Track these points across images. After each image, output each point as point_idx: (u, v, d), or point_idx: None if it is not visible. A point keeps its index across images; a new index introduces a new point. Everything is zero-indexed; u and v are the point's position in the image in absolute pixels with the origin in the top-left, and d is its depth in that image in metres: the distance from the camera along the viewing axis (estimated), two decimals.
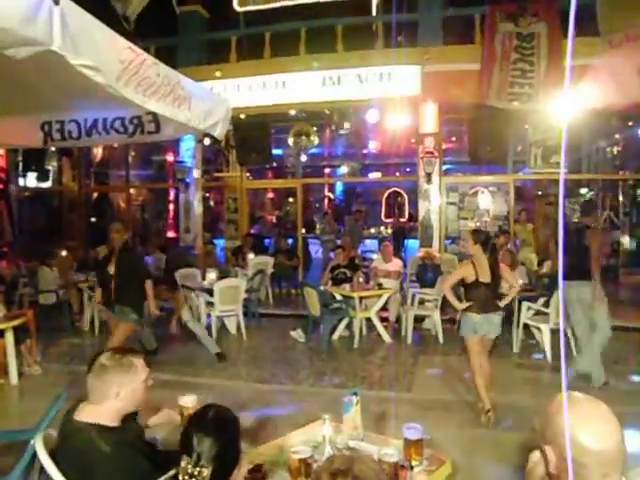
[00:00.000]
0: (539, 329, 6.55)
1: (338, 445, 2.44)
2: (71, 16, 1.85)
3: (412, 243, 12.35)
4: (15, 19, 1.63)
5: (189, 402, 2.45)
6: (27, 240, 12.72)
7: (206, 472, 1.59)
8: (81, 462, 2.03)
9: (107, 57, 2.10)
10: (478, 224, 10.17)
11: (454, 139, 12.76)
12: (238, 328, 7.60)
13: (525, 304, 6.70)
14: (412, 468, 2.28)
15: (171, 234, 14.32)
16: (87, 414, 2.09)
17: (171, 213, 15.01)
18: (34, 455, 2.59)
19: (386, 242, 8.70)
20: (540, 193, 12.29)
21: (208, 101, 3.08)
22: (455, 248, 10.05)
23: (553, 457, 1.31)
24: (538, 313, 6.71)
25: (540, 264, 8.80)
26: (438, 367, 6.42)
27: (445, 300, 7.59)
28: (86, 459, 2.02)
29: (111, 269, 5.46)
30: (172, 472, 1.73)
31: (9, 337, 5.83)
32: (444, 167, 10.31)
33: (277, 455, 2.32)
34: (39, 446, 2.18)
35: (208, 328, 7.41)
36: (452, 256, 9.35)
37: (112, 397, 2.06)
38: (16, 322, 5.90)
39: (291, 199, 17.61)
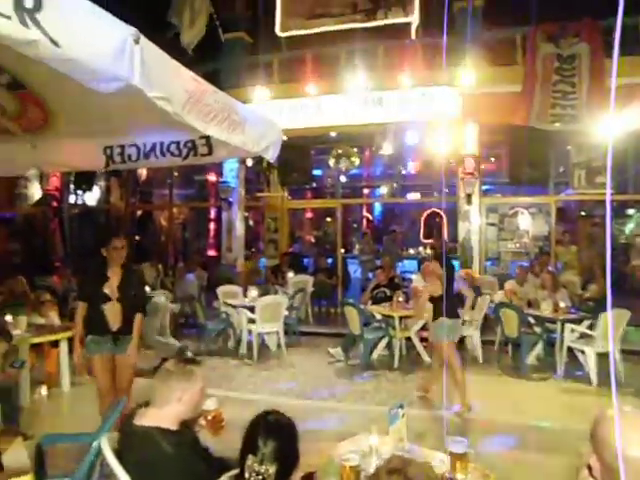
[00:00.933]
0: (583, 352, 6.43)
1: (384, 456, 2.51)
2: (147, 53, 2.05)
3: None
4: (107, 58, 1.85)
5: (211, 405, 2.55)
6: (77, 256, 13.23)
7: (272, 470, 1.71)
8: (144, 463, 2.16)
9: (175, 88, 2.29)
10: (517, 245, 10.10)
11: (493, 160, 12.74)
12: (278, 345, 7.72)
13: (568, 326, 6.60)
14: None
15: (212, 252, 14.66)
16: (149, 418, 2.23)
17: (212, 232, 15.39)
18: (96, 456, 2.78)
19: (426, 262, 8.70)
20: (584, 214, 12.09)
21: (261, 125, 3.26)
22: (495, 269, 9.98)
23: (597, 465, 1.40)
24: (582, 336, 6.60)
25: (584, 287, 8.66)
26: (478, 387, 6.36)
27: (485, 321, 7.62)
28: (149, 460, 2.14)
29: (109, 289, 4.21)
30: (234, 472, 1.85)
31: (63, 347, 6.11)
32: (483, 188, 10.30)
33: (327, 464, 2.41)
34: (105, 447, 2.33)
35: (249, 344, 7.57)
36: (492, 278, 9.28)
37: (174, 401, 2.21)
38: (70, 333, 6.17)
39: (329, 219, 17.82)
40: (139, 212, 15.47)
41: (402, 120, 9.40)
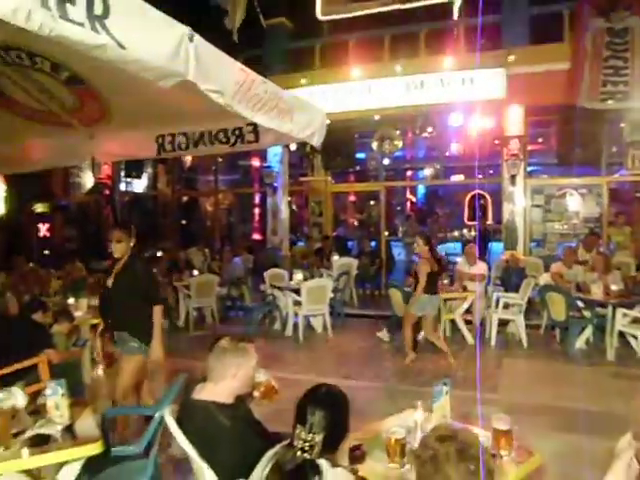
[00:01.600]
0: (636, 337, 6.28)
1: (428, 432, 2.59)
2: (201, 49, 2.19)
3: (496, 246, 12.14)
4: (166, 57, 2.00)
5: (262, 377, 2.69)
6: None
7: (318, 438, 1.81)
8: (203, 435, 2.30)
9: (226, 80, 2.42)
10: (565, 226, 9.89)
11: (540, 140, 12.42)
12: (324, 327, 7.88)
13: (620, 311, 6.42)
14: (501, 458, 2.40)
15: (256, 236, 14.93)
16: (206, 393, 2.37)
17: (256, 216, 15.66)
18: (157, 427, 2.98)
19: (470, 244, 8.65)
20: None
21: (307, 112, 3.36)
22: (540, 251, 9.81)
23: None
24: (635, 320, 6.44)
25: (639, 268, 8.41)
26: (523, 370, 6.36)
27: (530, 305, 7.52)
28: (208, 432, 2.29)
29: (109, 282, 4.11)
30: (285, 442, 1.96)
31: None
32: (529, 169, 10.09)
33: (373, 438, 2.52)
34: (169, 419, 2.50)
35: (295, 326, 7.75)
36: (537, 260, 9.14)
37: (229, 377, 2.34)
38: None
39: (372, 202, 17.79)
40: (185, 198, 15.88)
41: (445, 102, 9.30)
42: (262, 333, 7.95)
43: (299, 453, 1.81)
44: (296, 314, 7.74)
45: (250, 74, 2.72)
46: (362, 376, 6.09)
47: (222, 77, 2.39)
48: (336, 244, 11.08)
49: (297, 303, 7.70)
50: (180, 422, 2.44)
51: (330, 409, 1.89)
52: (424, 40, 10.09)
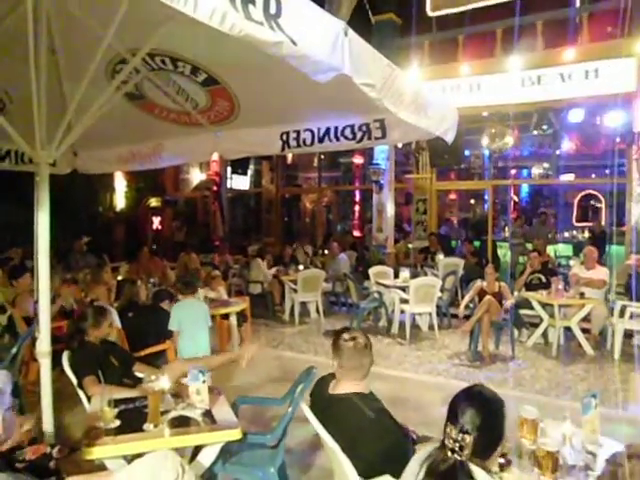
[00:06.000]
0: None
1: (575, 447, 2.42)
2: (354, 43, 2.20)
3: (615, 250, 11.26)
4: (326, 51, 2.04)
5: (532, 413, 2.51)
6: (233, 236, 14.31)
7: (469, 439, 1.70)
8: (345, 427, 2.31)
9: (376, 74, 2.43)
10: None
11: None
12: (430, 326, 7.76)
13: None
14: None
15: (356, 233, 14.99)
16: (345, 388, 2.39)
17: (356, 214, 15.73)
18: (290, 419, 3.05)
19: (590, 247, 8.09)
20: None
21: (442, 107, 3.29)
22: None
23: None
24: None
25: None
26: None
27: None
28: (351, 424, 2.30)
29: None
30: (437, 444, 1.90)
31: (233, 320, 6.66)
32: None
33: (516, 447, 2.40)
34: (307, 411, 2.55)
35: (401, 324, 7.66)
36: None
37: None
38: (239, 307, 6.73)
39: (472, 200, 17.25)
40: (286, 195, 16.26)
41: (564, 98, 8.77)
42: (367, 329, 7.93)
43: (449, 454, 1.74)
44: (402, 312, 7.67)
45: (395, 69, 2.72)
46: (473, 378, 5.88)
47: (372, 71, 2.40)
48: (438, 242, 10.82)
49: (404, 301, 7.61)
50: (319, 416, 2.45)
51: (481, 409, 1.77)
52: (541, 31, 9.54)
